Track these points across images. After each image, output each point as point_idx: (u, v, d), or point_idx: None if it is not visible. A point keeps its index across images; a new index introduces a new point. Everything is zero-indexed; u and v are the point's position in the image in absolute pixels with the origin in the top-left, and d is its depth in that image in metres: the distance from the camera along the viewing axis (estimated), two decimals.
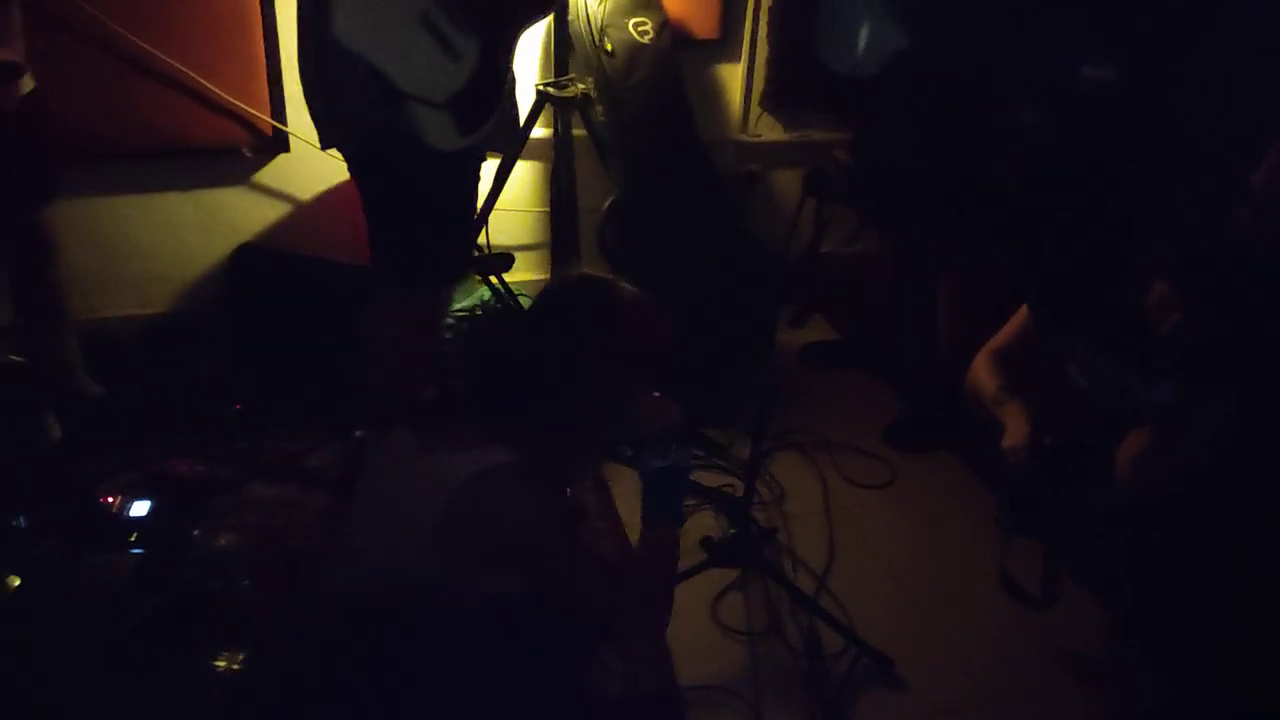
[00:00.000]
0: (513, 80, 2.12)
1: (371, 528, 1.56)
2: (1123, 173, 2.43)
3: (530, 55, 3.07)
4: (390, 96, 1.83)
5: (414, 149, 1.90)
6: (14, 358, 1.90)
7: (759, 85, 3.41)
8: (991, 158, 2.62)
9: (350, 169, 2.12)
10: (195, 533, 2.22)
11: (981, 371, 2.29)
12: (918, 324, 3.04)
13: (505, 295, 3.06)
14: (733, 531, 2.34)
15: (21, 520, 2.02)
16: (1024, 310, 2.26)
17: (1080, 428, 2.21)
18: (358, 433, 2.62)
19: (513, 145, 2.77)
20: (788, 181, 3.53)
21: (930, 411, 2.96)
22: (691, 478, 2.68)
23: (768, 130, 3.49)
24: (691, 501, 2.63)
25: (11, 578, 1.65)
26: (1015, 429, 2.15)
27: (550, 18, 2.78)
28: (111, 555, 1.74)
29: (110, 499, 2.32)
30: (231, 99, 2.83)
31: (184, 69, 2.75)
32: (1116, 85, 2.47)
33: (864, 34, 2.53)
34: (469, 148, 2.00)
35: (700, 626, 2.26)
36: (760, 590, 2.37)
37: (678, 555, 1.70)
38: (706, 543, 2.31)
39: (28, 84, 2.30)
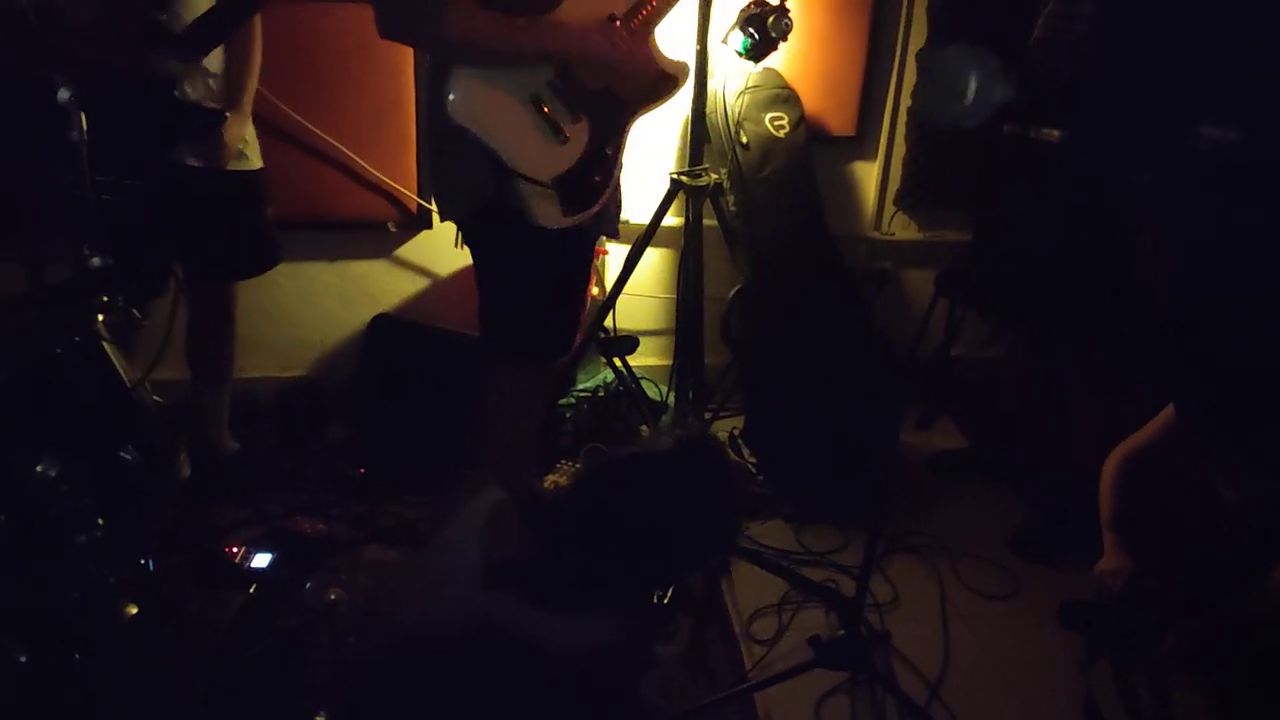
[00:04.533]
0: (621, 168, 2.15)
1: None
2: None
3: (667, 144, 3.15)
4: (499, 173, 1.90)
5: (520, 228, 1.96)
6: (156, 399, 2.01)
7: (894, 183, 3.40)
8: (1135, 255, 2.52)
9: (464, 242, 2.20)
10: (308, 586, 2.27)
11: (1106, 480, 2.18)
12: (1048, 431, 2.92)
13: (628, 378, 3.09)
14: (842, 632, 2.25)
15: (150, 563, 2.10)
16: (1167, 412, 2.14)
17: (1217, 540, 2.07)
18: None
19: (644, 231, 2.83)
20: (920, 281, 3.48)
21: (1061, 523, 2.81)
22: (800, 572, 2.63)
23: (901, 228, 3.47)
24: (799, 597, 2.56)
25: (129, 606, 1.71)
26: (1115, 558, 2.03)
27: (689, 110, 2.84)
28: (224, 594, 1.79)
29: (234, 549, 2.40)
30: (382, 176, 2.99)
31: (342, 147, 2.93)
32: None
33: (972, 85, 2.50)
34: (575, 231, 2.04)
35: None
36: (867, 695, 2.26)
37: None
38: (814, 641, 2.22)
39: (256, 161, 2.52)
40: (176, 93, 2.21)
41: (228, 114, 2.35)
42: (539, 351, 2.24)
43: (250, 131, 2.52)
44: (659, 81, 2.09)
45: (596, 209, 2.05)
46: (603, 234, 2.24)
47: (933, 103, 2.58)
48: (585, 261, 2.27)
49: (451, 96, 1.84)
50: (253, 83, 2.48)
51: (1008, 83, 2.42)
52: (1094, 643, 2.06)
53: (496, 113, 1.89)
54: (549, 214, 1.97)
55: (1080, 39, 2.48)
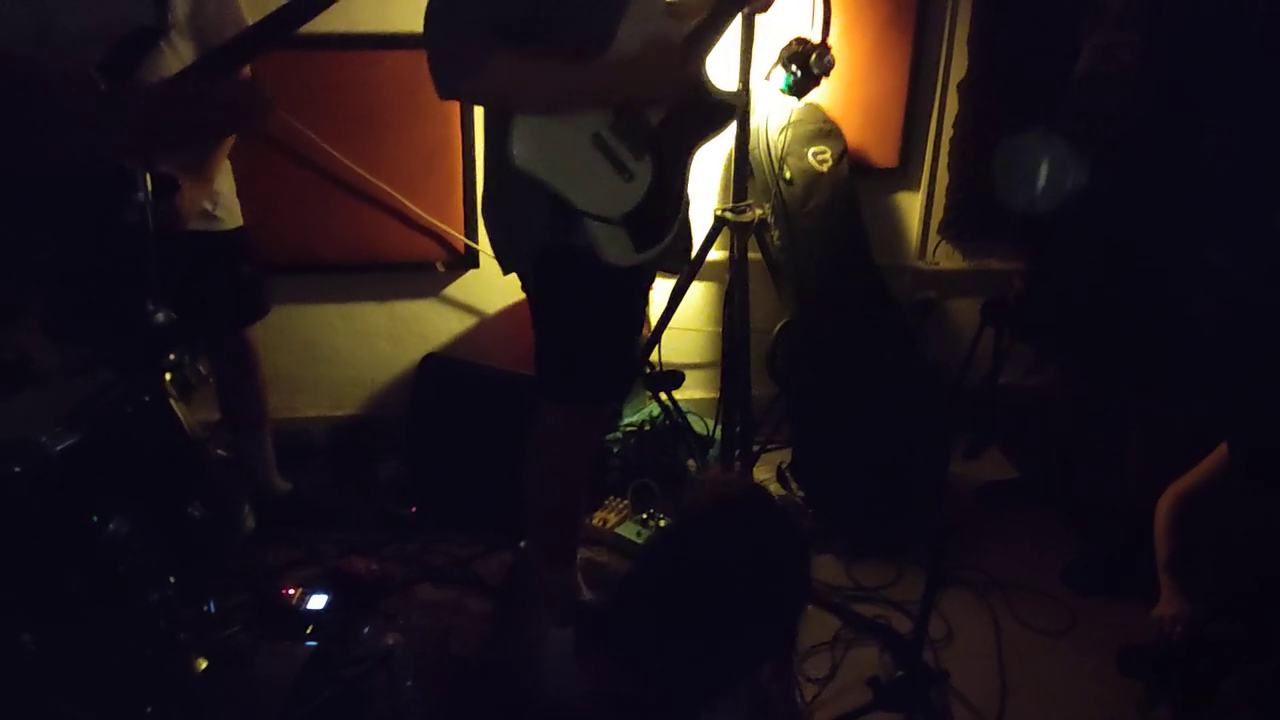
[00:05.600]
0: (687, 202, 2.16)
1: None
2: None
3: (710, 181, 3.17)
4: (567, 216, 1.91)
5: (585, 267, 1.96)
6: (220, 452, 2.05)
7: (938, 213, 3.39)
8: (1183, 298, 2.50)
9: (523, 287, 2.21)
10: (366, 630, 2.29)
11: (1161, 521, 2.16)
12: (1102, 462, 2.89)
13: (675, 412, 3.10)
14: (900, 674, 2.24)
15: (211, 605, 2.14)
16: (1220, 451, 2.12)
17: (1275, 580, 2.04)
18: (521, 544, 2.67)
19: (689, 266, 2.84)
20: (965, 310, 3.47)
21: (1115, 553, 2.78)
22: (853, 608, 2.62)
23: (946, 258, 3.46)
24: (853, 634, 2.55)
25: (200, 660, 1.74)
26: (1174, 602, 2.01)
27: (732, 147, 2.86)
28: (288, 645, 1.82)
29: (291, 591, 2.44)
30: (430, 218, 3.03)
31: (390, 190, 2.97)
32: None
33: (1044, 170, 2.49)
34: (641, 266, 2.05)
35: None
36: None
37: None
38: (873, 684, 2.21)
39: (236, 219, 2.52)
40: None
41: (181, 181, 2.27)
42: (596, 395, 2.25)
43: (225, 195, 2.49)
44: (717, 110, 2.09)
45: (667, 243, 2.06)
46: (669, 269, 2.24)
47: (1009, 189, 2.58)
48: (645, 302, 2.28)
49: (516, 146, 1.85)
50: (222, 152, 2.44)
51: (1079, 166, 2.41)
52: (1157, 690, 2.04)
53: (561, 157, 1.90)
54: (620, 252, 1.97)
55: (1125, 70, 2.47)
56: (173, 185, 2.25)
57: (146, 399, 1.63)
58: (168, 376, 1.71)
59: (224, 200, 2.50)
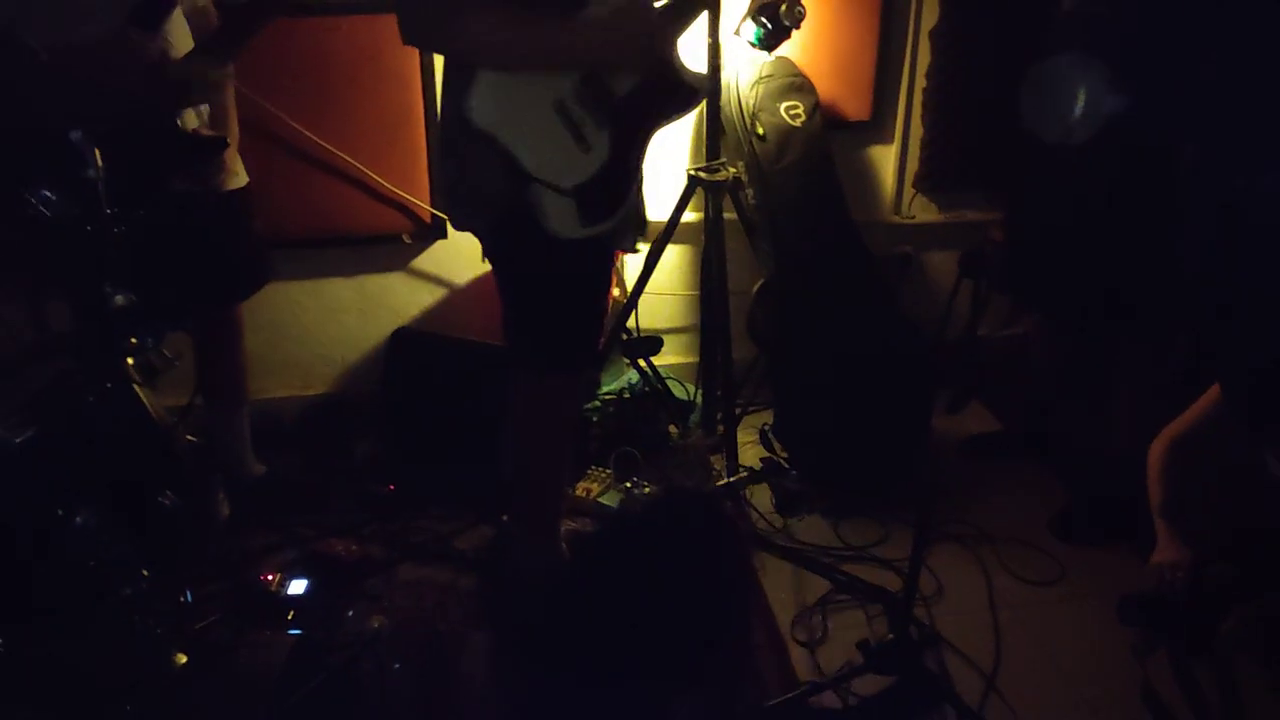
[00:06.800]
0: (641, 178, 2.10)
1: None
2: None
3: (682, 140, 3.10)
4: (517, 178, 1.85)
5: (537, 236, 1.91)
6: (190, 438, 1.98)
7: (912, 166, 3.35)
8: (1178, 232, 2.46)
9: (485, 253, 2.16)
10: (349, 614, 2.24)
11: (1154, 467, 2.13)
12: (1084, 410, 2.88)
13: (654, 378, 3.05)
14: (891, 636, 2.21)
15: (188, 595, 2.08)
16: (1212, 393, 2.09)
17: (1271, 521, 2.03)
18: (504, 517, 2.62)
19: (664, 229, 2.78)
20: (943, 263, 3.44)
21: (1101, 503, 2.78)
22: (842, 568, 2.60)
23: (921, 211, 3.42)
24: (841, 597, 2.53)
25: (179, 655, 1.69)
26: (1171, 549, 1.99)
27: (703, 104, 2.80)
28: (270, 635, 1.77)
29: (269, 577, 2.38)
30: (394, 188, 2.95)
31: (353, 161, 2.88)
32: None
33: (1081, 98, 2.43)
34: (593, 241, 2.00)
35: None
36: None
37: None
38: (864, 647, 2.19)
39: (242, 178, 2.47)
40: (179, 122, 2.16)
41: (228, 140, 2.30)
42: (564, 361, 2.20)
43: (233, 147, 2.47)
44: (683, 91, 2.03)
45: (614, 222, 2.00)
46: (620, 247, 2.20)
47: (1041, 115, 2.49)
48: (606, 271, 2.23)
49: (474, 101, 1.80)
50: (231, 97, 2.43)
51: (1119, 92, 2.34)
52: (1155, 636, 2.02)
53: (519, 118, 1.84)
54: (566, 224, 1.92)
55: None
56: (223, 145, 2.26)
57: (108, 385, 1.55)
58: (130, 361, 1.64)
59: (235, 154, 2.47)
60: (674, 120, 2.07)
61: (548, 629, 1.43)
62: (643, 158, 2.06)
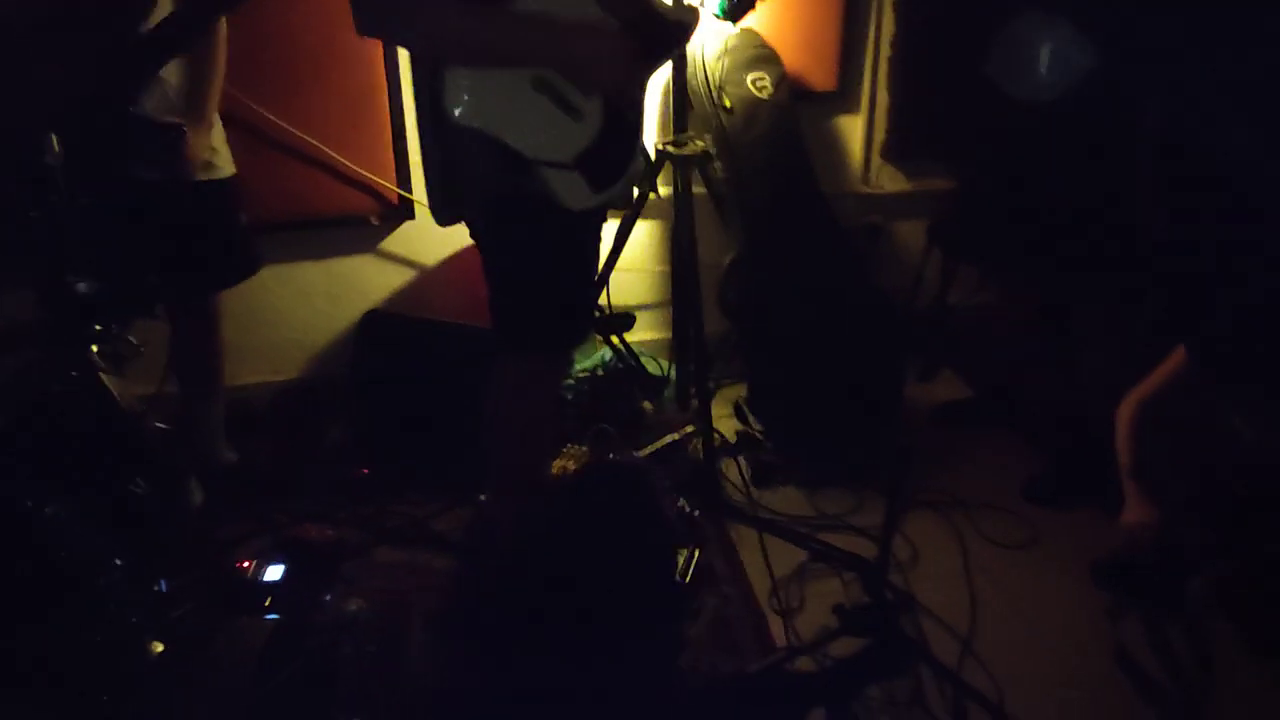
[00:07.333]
0: (643, 132, 2.05)
1: None
2: None
3: (649, 114, 3.08)
4: (517, 165, 1.80)
5: (539, 214, 1.87)
6: (160, 425, 1.96)
7: (879, 136, 3.35)
8: (1136, 191, 2.47)
9: (472, 236, 2.12)
10: (327, 598, 2.23)
11: (1122, 428, 2.16)
12: (1052, 375, 2.91)
13: (627, 355, 3.05)
14: (866, 600, 2.24)
15: (162, 584, 2.06)
16: (1178, 354, 2.12)
17: (1240, 479, 2.06)
18: (481, 497, 2.62)
19: (633, 205, 2.77)
20: (912, 232, 3.45)
21: (1073, 465, 2.81)
22: (818, 537, 2.62)
23: (889, 181, 3.43)
24: (817, 566, 2.55)
25: (154, 644, 1.67)
26: (1140, 509, 2.02)
27: (669, 77, 2.78)
28: (247, 621, 1.76)
29: (245, 564, 2.36)
30: (360, 170, 2.92)
31: (318, 144, 2.85)
32: None
33: (1046, 56, 2.43)
34: (593, 209, 1.97)
35: None
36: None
37: None
38: (839, 610, 2.21)
39: (224, 169, 2.44)
40: (133, 109, 2.12)
41: (186, 128, 2.26)
42: (557, 342, 2.18)
43: (219, 138, 2.44)
44: (670, 30, 1.96)
45: (623, 181, 1.96)
46: (616, 206, 2.15)
47: (1010, 75, 2.48)
48: (598, 243, 2.20)
49: (452, 98, 1.73)
50: (215, 91, 2.37)
51: (1084, 51, 2.34)
52: (1127, 599, 2.06)
53: (503, 104, 1.77)
54: (577, 196, 1.86)
55: None
56: (180, 134, 2.20)
57: (74, 374, 1.53)
58: (95, 349, 1.62)
59: (220, 146, 2.44)
60: (664, 61, 2.01)
61: (491, 604, 1.46)
62: (642, 110, 2.01)
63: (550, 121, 1.82)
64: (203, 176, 2.38)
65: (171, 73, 2.26)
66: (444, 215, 2.03)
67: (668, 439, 2.88)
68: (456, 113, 1.71)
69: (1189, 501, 2.07)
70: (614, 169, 1.92)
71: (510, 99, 1.77)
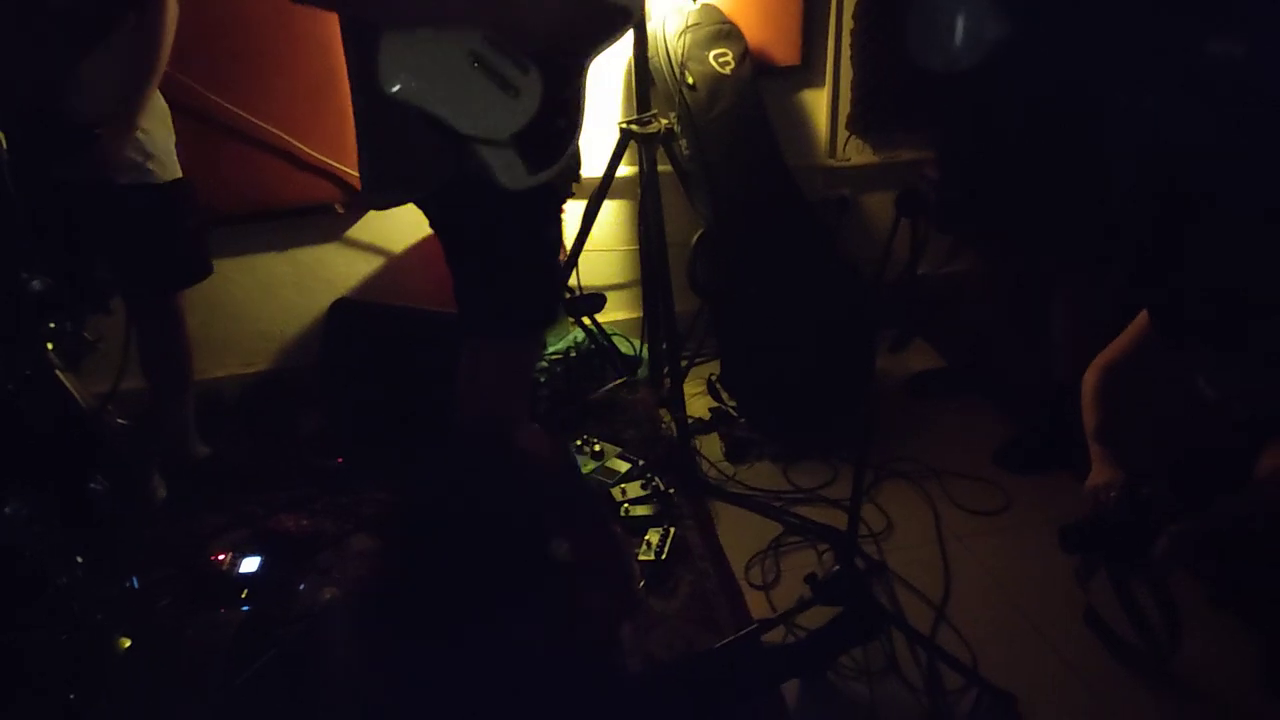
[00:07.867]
0: (583, 112, 2.01)
1: None
2: (1259, 161, 2.25)
3: (612, 93, 3.07)
4: (452, 141, 1.78)
5: (488, 195, 1.85)
6: (120, 420, 1.95)
7: (844, 109, 3.35)
8: (1101, 156, 2.48)
9: (430, 223, 2.10)
10: (301, 587, 2.23)
11: (1086, 392, 2.17)
12: (1026, 341, 2.92)
13: (598, 335, 3.05)
14: (837, 568, 2.24)
15: (134, 582, 2.06)
16: (1141, 318, 2.13)
17: (1206, 440, 2.08)
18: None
19: (599, 184, 2.76)
20: (880, 204, 3.45)
21: (1044, 431, 2.83)
22: (794, 510, 2.63)
23: (856, 153, 3.43)
24: (792, 539, 2.56)
25: (122, 639, 1.67)
26: (1104, 471, 2.04)
27: (631, 57, 2.76)
28: (222, 614, 1.75)
29: (221, 557, 2.36)
30: (322, 157, 2.90)
31: (278, 132, 2.83)
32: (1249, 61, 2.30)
33: (960, 25, 2.43)
34: (545, 189, 1.96)
35: None
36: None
37: None
38: (811, 580, 2.22)
39: (172, 171, 2.41)
40: (50, 107, 2.09)
41: (100, 131, 2.21)
42: (525, 324, 2.17)
43: (159, 144, 2.38)
44: (612, 15, 1.93)
45: (562, 164, 1.93)
46: (567, 194, 2.14)
47: (923, 44, 2.48)
48: (559, 221, 2.18)
49: (385, 69, 1.71)
50: (143, 96, 2.30)
51: (998, 20, 2.34)
52: (1096, 559, 2.08)
53: (436, 78, 1.74)
54: (514, 175, 1.83)
55: None
56: (88, 136, 2.15)
57: (28, 372, 1.52)
58: (50, 347, 1.60)
59: (158, 151, 2.38)
60: (607, 47, 1.96)
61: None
62: (582, 91, 1.97)
63: (486, 98, 1.78)
64: (128, 180, 2.32)
65: (105, 73, 2.22)
66: (380, 198, 2.01)
67: (611, 385, 2.99)
68: (391, 86, 1.68)
69: (1153, 462, 2.09)
70: (552, 149, 1.89)
71: (444, 72, 1.73)
